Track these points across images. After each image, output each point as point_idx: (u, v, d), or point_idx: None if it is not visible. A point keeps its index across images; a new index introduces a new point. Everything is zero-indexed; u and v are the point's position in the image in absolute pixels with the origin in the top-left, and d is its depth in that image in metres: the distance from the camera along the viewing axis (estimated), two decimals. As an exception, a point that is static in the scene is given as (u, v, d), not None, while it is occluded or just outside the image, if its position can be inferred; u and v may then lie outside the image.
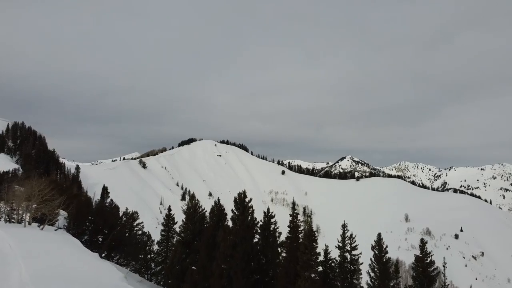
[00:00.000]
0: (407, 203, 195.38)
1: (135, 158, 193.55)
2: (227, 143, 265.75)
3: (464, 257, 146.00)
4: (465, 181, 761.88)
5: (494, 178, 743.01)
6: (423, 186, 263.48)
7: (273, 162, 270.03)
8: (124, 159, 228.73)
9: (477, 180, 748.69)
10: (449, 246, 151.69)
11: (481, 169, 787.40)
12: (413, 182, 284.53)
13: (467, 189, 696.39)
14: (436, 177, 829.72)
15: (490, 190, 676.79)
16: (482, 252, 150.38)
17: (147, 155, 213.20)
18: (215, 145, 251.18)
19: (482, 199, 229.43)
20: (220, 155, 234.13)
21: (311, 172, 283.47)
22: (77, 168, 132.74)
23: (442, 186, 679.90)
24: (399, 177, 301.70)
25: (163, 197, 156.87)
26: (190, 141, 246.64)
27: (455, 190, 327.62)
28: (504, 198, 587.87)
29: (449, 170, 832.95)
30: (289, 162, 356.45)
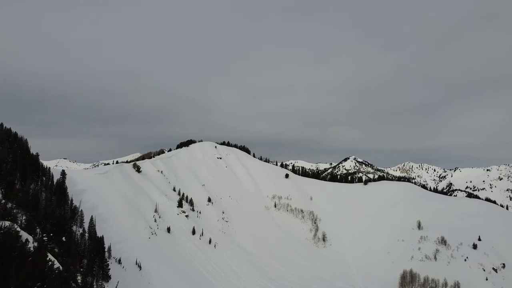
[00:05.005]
0: (419, 208, 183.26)
1: (130, 161, 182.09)
2: (228, 144, 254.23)
3: (484, 270, 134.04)
4: (470, 182, 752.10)
5: (501, 179, 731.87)
6: (435, 190, 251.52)
7: (276, 164, 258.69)
8: (117, 162, 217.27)
9: (483, 181, 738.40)
10: (467, 257, 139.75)
11: (487, 169, 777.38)
12: (423, 186, 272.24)
13: (472, 190, 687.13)
14: (441, 178, 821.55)
15: (497, 191, 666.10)
16: (503, 264, 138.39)
17: (143, 157, 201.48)
18: (215, 147, 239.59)
19: (497, 204, 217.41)
20: (220, 158, 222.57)
21: (316, 174, 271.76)
22: (63, 173, 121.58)
23: (447, 187, 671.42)
24: (408, 180, 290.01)
25: (158, 204, 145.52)
26: (188, 142, 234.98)
27: (469, 195, 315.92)
28: (510, 200, 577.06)
29: (454, 171, 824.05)
30: (293, 165, 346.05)
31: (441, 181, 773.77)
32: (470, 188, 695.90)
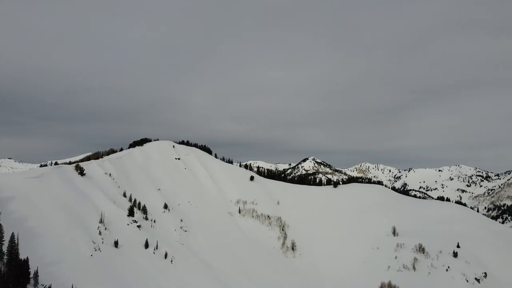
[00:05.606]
0: (393, 213, 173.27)
1: (72, 163, 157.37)
2: (188, 144, 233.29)
3: (467, 280, 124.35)
4: (424, 182, 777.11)
5: (451, 179, 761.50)
6: (404, 192, 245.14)
7: (240, 165, 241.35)
8: (56, 163, 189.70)
9: (435, 181, 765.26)
10: (448, 267, 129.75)
11: (439, 170, 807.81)
12: (394, 188, 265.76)
13: (426, 190, 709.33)
14: (396, 178, 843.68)
15: (448, 191, 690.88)
16: (485, 273, 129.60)
17: (88, 158, 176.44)
18: (173, 146, 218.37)
19: (467, 207, 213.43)
20: (179, 158, 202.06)
21: (283, 176, 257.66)
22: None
23: (402, 187, 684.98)
24: (379, 183, 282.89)
25: (104, 213, 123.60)
26: (142, 141, 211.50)
27: (442, 198, 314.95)
28: (461, 199, 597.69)
29: (409, 171, 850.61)
30: (251, 165, 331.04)
31: (396, 181, 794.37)
32: (424, 188, 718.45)
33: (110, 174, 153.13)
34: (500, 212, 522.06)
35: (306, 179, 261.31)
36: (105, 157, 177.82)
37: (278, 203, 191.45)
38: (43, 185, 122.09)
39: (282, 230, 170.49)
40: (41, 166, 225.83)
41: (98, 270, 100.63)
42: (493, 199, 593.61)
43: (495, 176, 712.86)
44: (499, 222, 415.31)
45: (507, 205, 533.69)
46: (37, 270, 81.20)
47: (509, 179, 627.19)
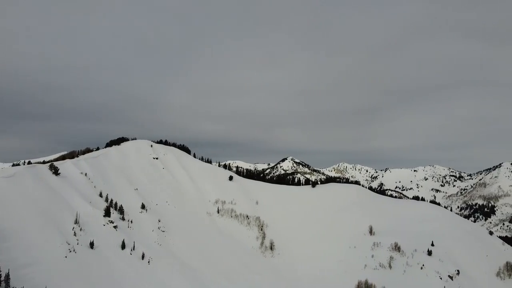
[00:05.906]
0: (370, 213, 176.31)
1: (46, 162, 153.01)
2: (166, 143, 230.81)
3: (441, 278, 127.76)
4: (399, 182, 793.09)
5: (426, 179, 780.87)
6: (381, 192, 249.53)
7: (219, 165, 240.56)
8: (29, 162, 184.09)
9: (411, 181, 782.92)
10: (423, 265, 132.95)
11: (414, 170, 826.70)
12: (371, 188, 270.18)
13: (402, 190, 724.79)
14: (373, 178, 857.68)
15: (423, 191, 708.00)
16: (458, 271, 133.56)
17: (63, 157, 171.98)
18: (151, 145, 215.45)
19: (441, 206, 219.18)
20: (157, 158, 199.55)
21: (262, 176, 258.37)
22: None
23: (379, 187, 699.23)
24: (356, 182, 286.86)
25: (79, 213, 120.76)
26: (120, 140, 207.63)
27: (417, 198, 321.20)
28: (435, 199, 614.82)
29: (385, 171, 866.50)
30: (230, 165, 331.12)
31: (373, 181, 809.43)
32: (400, 188, 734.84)
33: (86, 174, 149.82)
34: (472, 211, 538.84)
35: (284, 179, 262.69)
36: (81, 157, 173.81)
37: (257, 203, 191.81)
38: (15, 185, 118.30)
39: (261, 229, 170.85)
40: (13, 165, 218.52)
41: (72, 272, 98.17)
42: (465, 198, 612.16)
43: (467, 176, 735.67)
44: (471, 221, 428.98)
45: (479, 204, 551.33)
46: (8, 272, 78.57)
47: (481, 179, 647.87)
